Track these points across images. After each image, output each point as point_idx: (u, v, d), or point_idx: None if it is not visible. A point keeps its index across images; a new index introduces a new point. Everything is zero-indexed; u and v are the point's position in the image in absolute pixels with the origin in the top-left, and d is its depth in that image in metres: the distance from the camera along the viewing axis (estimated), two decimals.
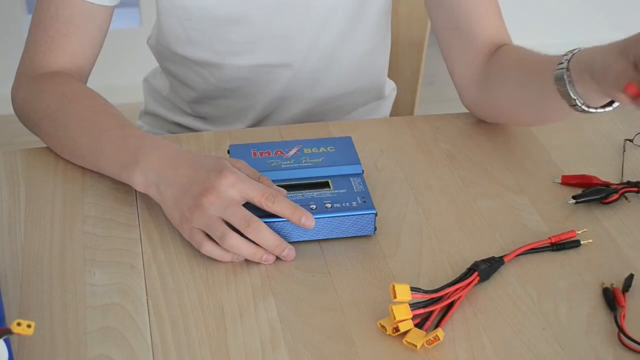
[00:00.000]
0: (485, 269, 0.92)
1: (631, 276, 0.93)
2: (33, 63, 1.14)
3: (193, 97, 1.33)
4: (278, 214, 0.94)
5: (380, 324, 0.87)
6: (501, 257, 0.94)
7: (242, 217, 0.92)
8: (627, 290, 0.91)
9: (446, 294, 0.89)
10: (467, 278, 0.91)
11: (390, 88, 1.44)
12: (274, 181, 1.00)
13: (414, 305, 0.86)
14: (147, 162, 0.98)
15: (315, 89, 1.29)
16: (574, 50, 0.96)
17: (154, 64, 1.42)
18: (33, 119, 1.12)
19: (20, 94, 1.14)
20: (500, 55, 1.12)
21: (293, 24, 1.22)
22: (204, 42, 1.23)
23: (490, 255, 0.95)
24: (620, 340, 0.85)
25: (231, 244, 0.92)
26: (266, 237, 0.93)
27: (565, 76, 0.95)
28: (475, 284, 0.92)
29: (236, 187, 0.93)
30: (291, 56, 1.25)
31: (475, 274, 0.91)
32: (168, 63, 1.32)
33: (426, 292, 0.88)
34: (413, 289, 0.86)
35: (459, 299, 0.89)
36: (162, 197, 0.97)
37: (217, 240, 0.93)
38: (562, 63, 0.96)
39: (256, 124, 1.33)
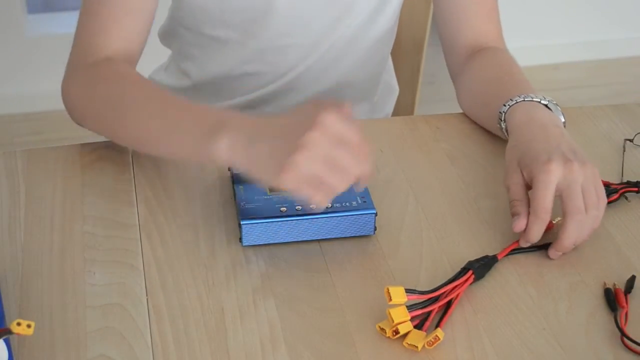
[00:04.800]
0: (480, 267, 0.92)
1: (633, 277, 0.93)
2: (85, 52, 1.11)
3: (205, 78, 1.32)
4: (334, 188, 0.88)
5: (380, 327, 0.86)
6: (494, 255, 0.94)
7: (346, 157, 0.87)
8: (629, 292, 0.91)
9: (442, 293, 0.89)
10: (461, 277, 0.91)
11: (389, 88, 1.44)
12: None
13: (412, 307, 0.86)
14: (236, 123, 0.92)
15: (328, 75, 1.30)
16: (511, 102, 1.07)
17: (155, 62, 1.42)
18: (90, 111, 1.08)
19: (73, 87, 1.10)
20: (476, 64, 1.20)
21: (320, 4, 1.22)
22: (237, 23, 1.23)
23: None
24: (623, 342, 0.85)
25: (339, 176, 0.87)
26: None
27: (501, 124, 1.09)
28: (474, 284, 0.92)
29: (341, 124, 0.87)
30: (313, 38, 1.25)
31: (470, 272, 0.91)
32: (186, 46, 1.32)
33: (422, 292, 0.88)
34: (408, 291, 0.86)
35: (456, 297, 0.89)
36: (257, 154, 0.90)
37: (331, 184, 0.87)
38: (500, 115, 1.08)
39: (260, 103, 1.33)
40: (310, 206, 0.91)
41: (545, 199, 0.94)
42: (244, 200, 0.98)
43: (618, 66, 3.07)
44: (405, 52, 1.51)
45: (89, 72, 1.09)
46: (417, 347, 0.84)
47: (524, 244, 0.96)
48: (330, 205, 0.97)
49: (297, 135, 0.87)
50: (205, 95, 1.35)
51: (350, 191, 0.99)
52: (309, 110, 0.89)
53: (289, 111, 0.93)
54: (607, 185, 1.05)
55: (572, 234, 0.94)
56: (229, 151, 0.91)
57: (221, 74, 1.31)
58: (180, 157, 1.03)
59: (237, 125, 0.92)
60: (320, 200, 0.88)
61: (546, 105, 1.06)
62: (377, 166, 1.10)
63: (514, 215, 0.97)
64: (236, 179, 1.01)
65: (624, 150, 1.14)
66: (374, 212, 0.97)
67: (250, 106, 1.33)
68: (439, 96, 2.45)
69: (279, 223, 0.96)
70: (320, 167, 0.87)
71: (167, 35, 1.35)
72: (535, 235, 0.95)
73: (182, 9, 1.27)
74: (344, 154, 0.87)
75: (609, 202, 1.03)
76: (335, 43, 1.27)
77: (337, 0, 1.23)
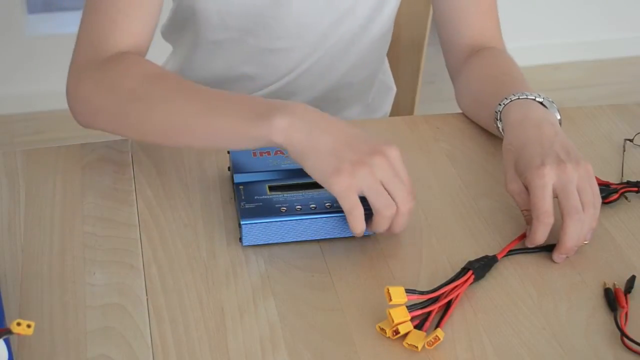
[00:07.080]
0: (479, 267, 0.92)
1: (633, 277, 0.93)
2: (94, 49, 1.09)
3: (203, 80, 1.31)
4: (393, 222, 0.93)
5: (380, 327, 0.86)
6: (494, 255, 0.94)
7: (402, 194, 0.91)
8: (629, 292, 0.91)
9: (442, 293, 0.89)
10: (461, 277, 0.91)
11: (386, 88, 1.44)
12: (274, 181, 1.00)
13: (412, 307, 0.86)
14: (294, 109, 0.93)
15: (326, 77, 1.30)
16: (506, 101, 1.07)
17: (155, 62, 1.42)
18: (106, 109, 1.05)
19: (84, 86, 1.07)
20: (475, 63, 1.21)
21: (323, 5, 1.23)
22: (236, 27, 1.23)
23: None
24: (623, 342, 0.85)
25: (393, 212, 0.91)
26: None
27: (497, 124, 1.09)
28: (473, 283, 0.92)
29: (399, 166, 0.93)
30: (313, 40, 1.25)
31: (470, 272, 0.91)
32: (184, 47, 1.31)
33: (422, 293, 0.88)
34: (408, 291, 0.86)
35: (456, 297, 0.89)
36: (314, 142, 0.92)
37: (377, 208, 0.91)
38: (496, 114, 1.09)
39: None
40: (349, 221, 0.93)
41: (544, 203, 0.94)
42: (244, 200, 0.98)
43: (618, 66, 3.07)
44: (405, 52, 1.51)
45: (101, 69, 1.07)
46: (417, 347, 0.84)
47: (529, 245, 0.96)
48: (330, 205, 0.97)
49: (363, 150, 0.91)
50: None
51: None
52: (376, 137, 0.93)
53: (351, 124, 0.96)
54: (607, 185, 1.05)
55: (573, 234, 0.94)
56: (286, 132, 0.93)
57: (219, 76, 1.31)
58: (218, 141, 0.99)
59: (297, 110, 0.94)
60: (356, 216, 0.91)
61: (541, 103, 1.06)
62: None
63: (528, 224, 0.98)
64: (236, 179, 1.01)
65: (624, 150, 1.14)
66: None
67: None
68: (439, 96, 2.45)
69: (279, 223, 0.95)
70: (374, 186, 0.90)
71: (168, 34, 1.35)
72: (541, 237, 0.95)
73: (182, 12, 1.27)
74: (399, 187, 0.91)
75: (609, 202, 1.04)
76: (334, 45, 1.27)
77: (336, 3, 1.23)
